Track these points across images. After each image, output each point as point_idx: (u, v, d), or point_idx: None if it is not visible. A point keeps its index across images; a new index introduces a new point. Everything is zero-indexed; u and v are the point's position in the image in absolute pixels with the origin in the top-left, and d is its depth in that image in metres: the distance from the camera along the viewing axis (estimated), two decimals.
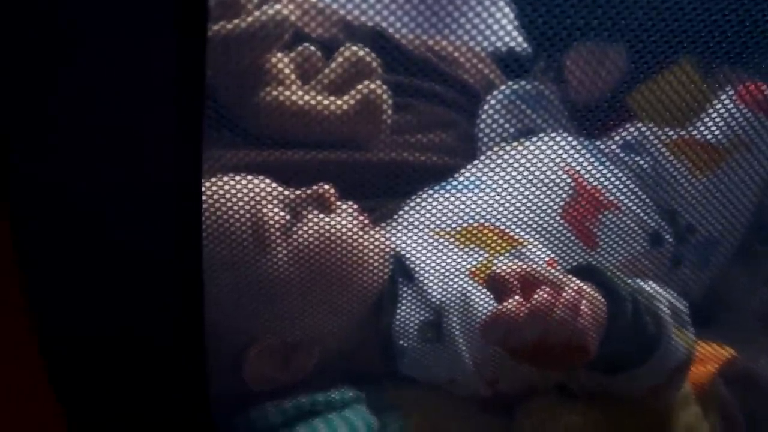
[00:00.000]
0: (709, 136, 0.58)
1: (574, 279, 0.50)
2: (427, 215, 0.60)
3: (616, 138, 0.66)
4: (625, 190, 0.62)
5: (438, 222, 0.58)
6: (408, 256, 0.58)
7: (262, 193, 0.51)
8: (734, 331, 0.63)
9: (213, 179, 0.48)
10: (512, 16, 0.57)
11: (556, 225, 0.57)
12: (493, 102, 0.68)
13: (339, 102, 0.61)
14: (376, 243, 0.55)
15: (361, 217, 0.55)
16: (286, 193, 0.55)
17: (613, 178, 0.62)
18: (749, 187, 0.59)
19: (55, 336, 0.47)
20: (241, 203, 0.49)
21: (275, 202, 0.53)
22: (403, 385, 0.57)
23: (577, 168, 0.61)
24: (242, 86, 0.59)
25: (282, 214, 0.53)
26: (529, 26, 0.62)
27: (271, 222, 0.52)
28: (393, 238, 0.58)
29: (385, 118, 0.62)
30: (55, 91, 0.38)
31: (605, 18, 0.65)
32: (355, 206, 0.55)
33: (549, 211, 0.56)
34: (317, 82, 0.63)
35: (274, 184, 0.53)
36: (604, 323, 0.49)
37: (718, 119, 0.57)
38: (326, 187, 0.55)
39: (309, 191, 0.55)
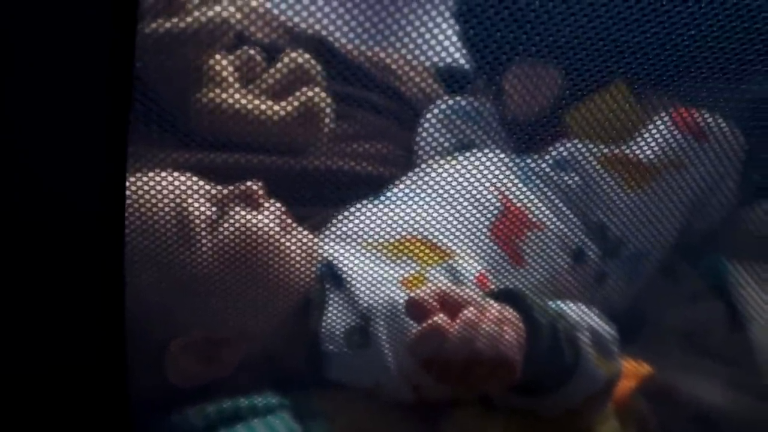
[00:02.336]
0: (641, 155, 0.60)
1: (492, 302, 0.51)
2: (360, 226, 0.60)
3: (547, 157, 0.67)
4: (550, 209, 0.63)
5: (370, 233, 0.59)
6: (338, 264, 0.58)
7: (189, 191, 0.50)
8: (655, 346, 0.65)
9: (139, 175, 0.48)
10: (453, 32, 0.59)
11: (485, 240, 0.58)
12: (430, 116, 0.69)
13: (278, 107, 0.61)
14: (301, 243, 0.55)
15: (285, 217, 0.55)
16: (213, 191, 0.54)
17: (539, 199, 0.63)
18: (677, 206, 0.61)
19: None
20: (167, 199, 0.48)
21: (201, 199, 0.53)
22: (329, 390, 0.57)
23: (505, 187, 0.62)
24: (180, 86, 0.59)
25: (208, 209, 0.53)
26: (469, 43, 0.64)
27: (197, 216, 0.51)
28: (324, 247, 0.58)
29: (324, 125, 0.62)
30: None
31: (541, 40, 0.67)
32: (282, 207, 0.55)
33: (479, 226, 0.57)
34: (257, 86, 0.62)
35: (201, 182, 0.52)
36: (524, 347, 0.49)
37: (651, 140, 0.59)
38: (253, 186, 0.55)
39: (236, 189, 0.55)
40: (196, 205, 0.52)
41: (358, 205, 0.62)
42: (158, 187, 0.49)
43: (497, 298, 0.51)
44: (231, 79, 0.60)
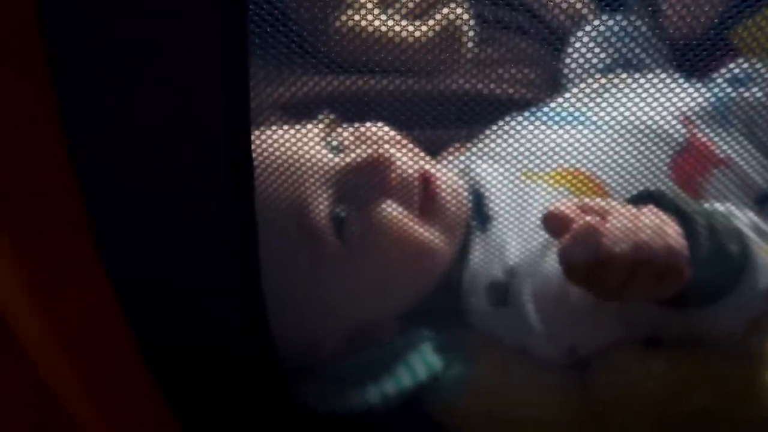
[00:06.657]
0: None
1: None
2: (516, 147, 0.56)
3: (723, 72, 0.60)
4: (738, 142, 0.56)
5: (527, 155, 0.54)
6: (487, 195, 0.54)
7: (307, 191, 0.49)
8: None
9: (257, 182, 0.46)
10: None
11: (663, 178, 0.52)
12: (581, 34, 0.64)
13: (419, 28, 0.58)
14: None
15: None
16: (334, 168, 0.52)
17: (726, 130, 0.57)
18: None
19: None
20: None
21: (322, 187, 0.51)
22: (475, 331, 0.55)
23: (692, 116, 0.56)
24: (318, 10, 0.58)
25: (330, 203, 0.51)
26: None
27: (321, 215, 0.50)
28: (473, 166, 0.55)
29: (464, 46, 0.59)
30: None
31: None
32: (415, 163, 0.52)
33: (657, 161, 0.52)
34: (397, 8, 0.60)
35: (319, 156, 0.51)
36: (686, 244, 0.44)
37: None
38: (380, 158, 0.52)
39: (359, 161, 0.52)
40: (317, 211, 0.50)
41: (512, 123, 0.58)
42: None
43: (637, 202, 0.46)
44: (370, 5, 0.58)
